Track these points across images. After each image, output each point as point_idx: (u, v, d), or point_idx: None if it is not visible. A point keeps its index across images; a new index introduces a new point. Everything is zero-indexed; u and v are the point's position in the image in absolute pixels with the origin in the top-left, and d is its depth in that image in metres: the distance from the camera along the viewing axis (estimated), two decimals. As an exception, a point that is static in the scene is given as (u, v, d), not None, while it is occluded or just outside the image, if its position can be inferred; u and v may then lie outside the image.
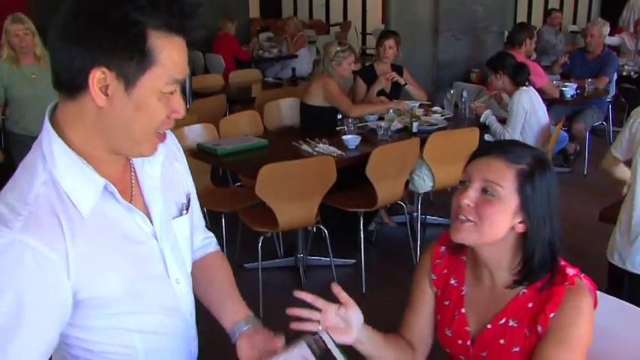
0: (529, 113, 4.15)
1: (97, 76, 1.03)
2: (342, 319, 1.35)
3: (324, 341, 1.27)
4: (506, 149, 1.35)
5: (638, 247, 2.41)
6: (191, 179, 1.38)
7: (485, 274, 1.42)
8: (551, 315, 1.31)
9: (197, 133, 3.91)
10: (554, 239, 1.35)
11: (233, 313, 1.38)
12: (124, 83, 1.04)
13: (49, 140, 1.10)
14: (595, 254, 3.88)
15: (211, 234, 1.54)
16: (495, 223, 1.31)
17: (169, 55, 1.06)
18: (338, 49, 4.24)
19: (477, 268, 1.45)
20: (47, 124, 1.11)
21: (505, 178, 1.31)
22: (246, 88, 6.20)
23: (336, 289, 1.34)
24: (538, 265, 1.34)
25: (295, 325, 1.31)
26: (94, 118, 1.07)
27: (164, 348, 1.26)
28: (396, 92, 4.73)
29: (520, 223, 1.33)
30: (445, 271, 1.51)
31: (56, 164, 1.08)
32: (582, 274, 1.39)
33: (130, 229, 1.17)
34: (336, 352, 1.27)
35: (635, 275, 2.43)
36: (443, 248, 1.52)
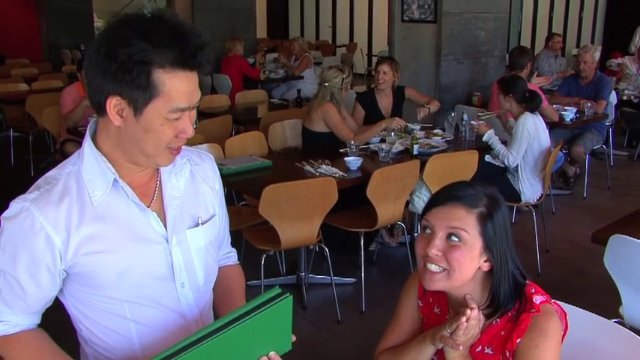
0: (532, 137, 4.16)
1: (113, 102, 1.23)
2: None
3: None
4: (462, 195, 1.41)
5: None
6: (222, 204, 1.53)
7: (461, 307, 1.47)
8: (518, 340, 1.39)
9: (203, 153, 3.97)
10: (516, 270, 1.43)
11: None
12: (133, 110, 1.22)
13: (86, 143, 1.33)
14: (594, 276, 3.94)
15: (234, 250, 1.69)
16: (464, 265, 1.39)
17: (173, 87, 1.22)
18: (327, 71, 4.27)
19: (453, 300, 1.51)
20: (88, 132, 1.34)
21: (468, 224, 1.39)
22: (252, 109, 6.27)
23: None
24: (505, 297, 1.42)
25: None
26: (115, 134, 1.29)
27: (160, 345, 1.34)
28: (399, 113, 4.73)
29: (485, 261, 1.41)
30: (430, 299, 1.58)
31: (83, 161, 1.32)
32: (552, 300, 1.46)
33: (143, 226, 1.33)
34: None
35: None
36: None
